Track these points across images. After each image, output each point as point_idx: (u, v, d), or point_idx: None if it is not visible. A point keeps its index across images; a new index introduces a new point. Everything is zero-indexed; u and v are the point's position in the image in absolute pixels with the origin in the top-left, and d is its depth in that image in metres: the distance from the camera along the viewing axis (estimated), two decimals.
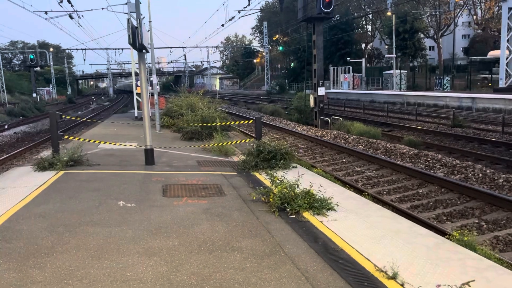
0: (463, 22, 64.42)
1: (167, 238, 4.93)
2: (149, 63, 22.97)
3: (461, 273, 3.93)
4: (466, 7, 50.94)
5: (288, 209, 5.92)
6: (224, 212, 5.97)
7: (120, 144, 12.05)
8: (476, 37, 60.35)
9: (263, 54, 75.34)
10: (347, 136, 15.91)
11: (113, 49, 63.36)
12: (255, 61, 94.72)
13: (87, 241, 4.80)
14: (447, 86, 38.24)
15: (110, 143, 11.85)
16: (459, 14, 52.88)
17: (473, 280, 3.51)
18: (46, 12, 25.56)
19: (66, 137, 11.29)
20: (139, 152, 10.50)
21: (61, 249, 4.57)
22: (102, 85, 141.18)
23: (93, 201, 6.50)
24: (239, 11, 19.56)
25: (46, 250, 4.54)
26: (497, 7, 43.91)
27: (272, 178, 6.93)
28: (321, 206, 5.98)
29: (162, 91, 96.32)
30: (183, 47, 56.87)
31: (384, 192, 8.91)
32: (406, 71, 46.26)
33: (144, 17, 18.23)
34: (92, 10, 23.01)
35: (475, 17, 51.97)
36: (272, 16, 78.55)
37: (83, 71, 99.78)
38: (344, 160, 12.33)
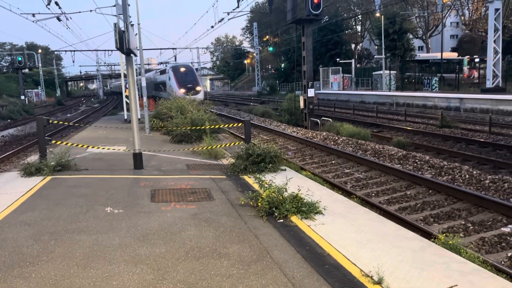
0: (451, 23, 65.16)
1: (154, 245, 4.91)
2: (138, 64, 22.89)
3: (446, 276, 3.98)
4: (454, 8, 51.49)
5: (276, 214, 5.93)
6: (212, 217, 5.97)
7: (108, 148, 11.98)
8: (464, 37, 61.00)
9: (254, 55, 75.45)
10: (336, 138, 15.98)
11: (102, 50, 63.02)
12: (245, 61, 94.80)
13: (73, 249, 4.76)
14: (436, 87, 38.62)
15: (98, 147, 11.76)
16: (447, 15, 53.43)
17: (456, 285, 3.55)
18: (33, 15, 25.31)
19: (53, 141, 11.19)
20: (128, 156, 10.45)
21: (47, 258, 4.53)
22: (92, 86, 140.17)
23: (80, 207, 6.45)
24: (228, 13, 19.60)
25: (31, 259, 4.50)
26: (484, 8, 44.43)
27: (260, 182, 6.95)
28: (309, 210, 6.01)
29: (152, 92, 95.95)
30: (173, 48, 56.55)
31: (373, 194, 8.96)
32: (395, 72, 46.64)
33: (132, 22, 18.18)
34: (80, 12, 22.81)
35: (462, 17, 52.54)
36: (262, 17, 78.64)
37: (80, 72, 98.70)
38: (333, 161, 12.38)
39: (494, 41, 28.80)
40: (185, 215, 6.09)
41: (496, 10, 27.33)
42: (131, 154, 9.84)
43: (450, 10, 52.25)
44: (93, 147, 11.62)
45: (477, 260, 4.40)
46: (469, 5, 48.97)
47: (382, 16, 43.69)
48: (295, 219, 5.81)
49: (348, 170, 11.16)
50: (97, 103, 58.90)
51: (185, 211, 6.27)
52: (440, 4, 30.89)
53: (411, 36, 53.91)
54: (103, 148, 11.77)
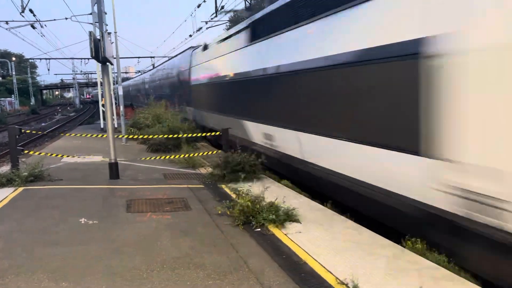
0: None
1: (129, 257, 4.83)
2: (115, 72, 22.64)
3: (418, 283, 4.04)
4: None
5: (253, 222, 5.93)
6: (188, 227, 5.92)
7: (84, 158, 11.77)
8: None
9: None
10: None
11: (79, 58, 61.75)
12: None
13: (45, 262, 4.64)
14: None
15: (73, 157, 11.55)
16: None
17: None
18: (7, 22, 24.76)
19: (26, 151, 10.93)
20: (104, 166, 10.27)
21: (17, 271, 4.40)
22: (68, 95, 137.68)
23: (53, 219, 6.30)
24: (206, 22, 19.66)
25: (0, 273, 4.36)
26: None
27: (238, 191, 6.95)
28: (286, 218, 6.02)
29: (129, 101, 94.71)
30: (151, 57, 56.04)
31: None
32: None
33: (108, 30, 18.03)
34: (55, 20, 22.44)
35: None
36: None
37: (61, 80, 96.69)
38: None
39: None
40: (161, 225, 6.02)
41: None
42: (107, 163, 9.68)
43: None
44: (68, 157, 11.40)
45: (444, 263, 4.49)
46: None
47: None
48: (272, 227, 5.81)
49: None
50: (73, 112, 57.84)
51: (161, 221, 6.20)
52: None
53: None
54: (78, 157, 11.56)
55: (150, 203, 7.25)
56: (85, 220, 6.25)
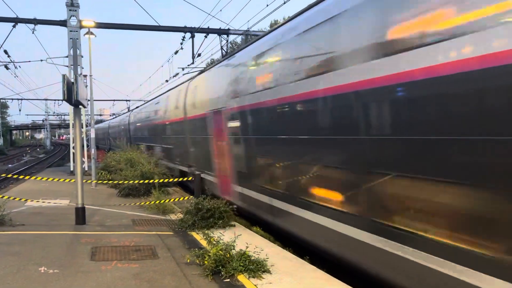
0: None
1: None
2: (89, 114, 22.42)
3: None
4: None
5: (223, 272, 5.77)
6: (155, 277, 5.69)
7: (49, 202, 11.36)
8: None
9: None
10: None
11: (52, 100, 60.98)
12: None
13: None
14: None
15: (39, 201, 11.14)
16: None
17: None
18: None
19: None
20: (71, 210, 9.91)
21: None
22: (39, 136, 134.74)
23: (10, 267, 5.96)
24: (183, 69, 20.00)
25: None
26: None
27: (208, 239, 6.80)
28: (257, 268, 5.89)
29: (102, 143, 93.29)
30: (126, 100, 56.06)
31: None
32: None
33: (82, 73, 18.06)
34: (30, 61, 22.30)
35: None
36: None
37: (43, 120, 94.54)
38: None
39: None
40: (126, 275, 5.77)
41: None
42: (73, 208, 9.36)
43: None
44: (32, 201, 10.98)
45: None
46: None
47: None
48: (242, 278, 5.66)
49: None
50: (43, 153, 56.36)
51: (127, 271, 5.95)
52: None
53: None
54: (44, 202, 11.15)
55: (116, 251, 6.97)
56: (45, 268, 5.93)
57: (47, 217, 9.99)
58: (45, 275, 5.68)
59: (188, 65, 20.18)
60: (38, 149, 69.83)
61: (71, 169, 21.67)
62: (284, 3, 14.29)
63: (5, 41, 20.41)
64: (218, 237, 6.87)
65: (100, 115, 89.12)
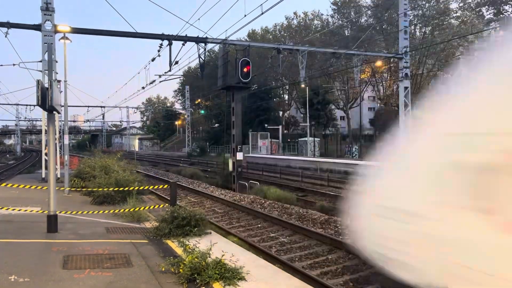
0: (368, 97, 71.13)
1: None
2: (62, 120, 22.00)
3: None
4: (370, 84, 56.73)
5: (198, 280, 5.77)
6: (129, 286, 5.65)
7: (20, 209, 11.06)
8: (380, 110, 66.77)
9: (185, 116, 75.84)
10: (263, 201, 16.19)
11: (24, 105, 59.37)
12: (176, 123, 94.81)
13: None
14: (356, 154, 41.26)
15: (8, 208, 10.83)
16: (364, 90, 58.63)
17: None
18: None
19: None
20: (42, 218, 9.69)
21: None
22: (9, 142, 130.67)
23: None
24: (160, 76, 19.91)
25: None
26: (396, 86, 49.48)
27: (184, 247, 6.80)
28: (232, 276, 5.93)
29: (76, 150, 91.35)
30: (101, 107, 55.32)
31: (296, 259, 9.07)
32: (319, 139, 49.37)
33: (57, 78, 17.75)
34: (1, 65, 21.75)
35: (378, 93, 57.80)
36: (194, 80, 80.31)
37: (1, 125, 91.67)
38: (259, 225, 12.45)
39: (405, 115, 31.83)
40: (99, 283, 5.70)
41: (405, 88, 30.52)
42: (45, 216, 9.16)
43: (366, 86, 57.50)
44: (1, 208, 10.67)
45: None
46: (383, 82, 54.24)
47: (307, 87, 46.80)
48: (217, 285, 5.68)
49: (273, 234, 11.26)
50: (13, 159, 54.70)
51: (100, 279, 5.88)
52: (358, 80, 33.97)
53: (333, 107, 58.31)
54: (14, 209, 10.86)
55: (89, 259, 6.87)
56: (15, 277, 5.80)
57: (17, 225, 9.74)
58: (15, 285, 5.55)
59: (165, 73, 20.15)
60: (7, 155, 67.70)
61: (43, 176, 21.17)
62: (262, 13, 14.53)
63: None
64: (193, 245, 6.88)
65: (74, 121, 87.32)
